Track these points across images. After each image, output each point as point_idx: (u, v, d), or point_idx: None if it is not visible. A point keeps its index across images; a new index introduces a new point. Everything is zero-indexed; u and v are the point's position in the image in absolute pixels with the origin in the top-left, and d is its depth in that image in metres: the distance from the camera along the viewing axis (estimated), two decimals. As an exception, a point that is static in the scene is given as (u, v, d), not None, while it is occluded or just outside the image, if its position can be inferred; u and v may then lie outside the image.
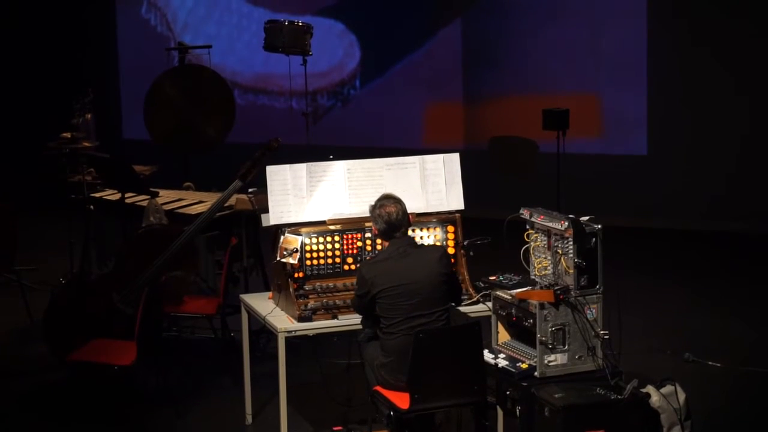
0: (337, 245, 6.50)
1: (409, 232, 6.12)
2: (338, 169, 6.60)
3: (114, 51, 13.66)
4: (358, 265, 6.46)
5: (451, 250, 6.55)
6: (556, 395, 5.56)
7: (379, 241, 6.35)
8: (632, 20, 11.61)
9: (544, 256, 5.95)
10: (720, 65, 11.37)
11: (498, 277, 6.19)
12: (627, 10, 11.64)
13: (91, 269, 8.86)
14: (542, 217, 5.91)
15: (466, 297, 6.40)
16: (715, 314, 8.90)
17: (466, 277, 6.47)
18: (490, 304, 6.16)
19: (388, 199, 6.02)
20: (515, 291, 5.91)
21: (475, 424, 6.05)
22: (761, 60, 11.26)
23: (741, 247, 10.83)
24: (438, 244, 6.53)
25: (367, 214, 6.48)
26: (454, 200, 6.69)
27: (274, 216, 6.48)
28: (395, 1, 12.49)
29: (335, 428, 6.80)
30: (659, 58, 11.56)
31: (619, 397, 5.56)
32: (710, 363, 7.67)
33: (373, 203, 6.05)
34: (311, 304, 6.32)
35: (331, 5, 12.71)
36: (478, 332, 5.81)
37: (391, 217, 5.94)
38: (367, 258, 6.42)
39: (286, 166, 6.55)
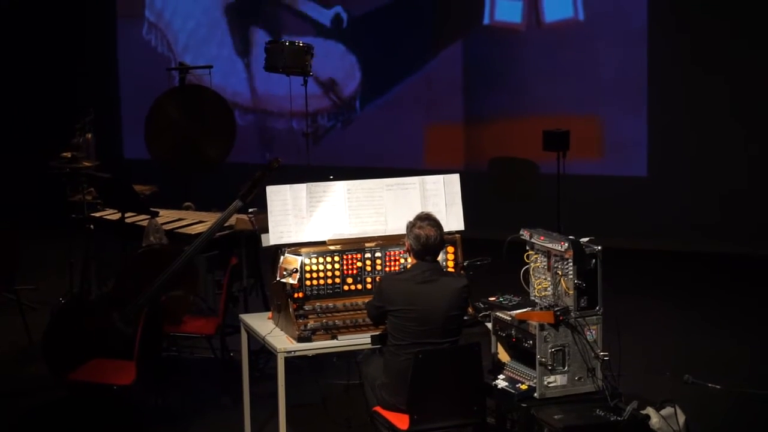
0: (337, 266, 6.49)
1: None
2: (338, 189, 6.61)
3: (115, 71, 13.70)
4: (359, 286, 6.46)
5: (450, 271, 6.54)
6: (556, 416, 5.55)
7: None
8: (633, 42, 11.65)
9: (544, 277, 5.95)
10: (720, 87, 11.39)
11: (498, 298, 6.20)
12: (628, 33, 11.67)
13: (90, 289, 8.86)
14: (542, 238, 5.92)
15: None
16: (715, 336, 8.89)
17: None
18: (489, 324, 6.16)
19: (428, 221, 5.96)
20: (515, 312, 5.91)
21: (475, 445, 6.04)
22: (762, 82, 11.28)
23: (741, 269, 10.83)
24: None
25: (368, 235, 6.51)
26: (454, 221, 6.69)
27: (274, 236, 6.48)
28: (396, 22, 12.52)
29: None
30: (659, 80, 11.59)
31: (619, 418, 5.55)
32: (710, 385, 7.64)
33: (412, 220, 6.02)
34: (311, 324, 6.31)
35: (332, 27, 12.75)
36: (477, 353, 5.81)
37: (429, 240, 5.91)
38: (388, 273, 6.43)
39: (287, 186, 6.55)
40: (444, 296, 5.85)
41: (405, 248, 6.09)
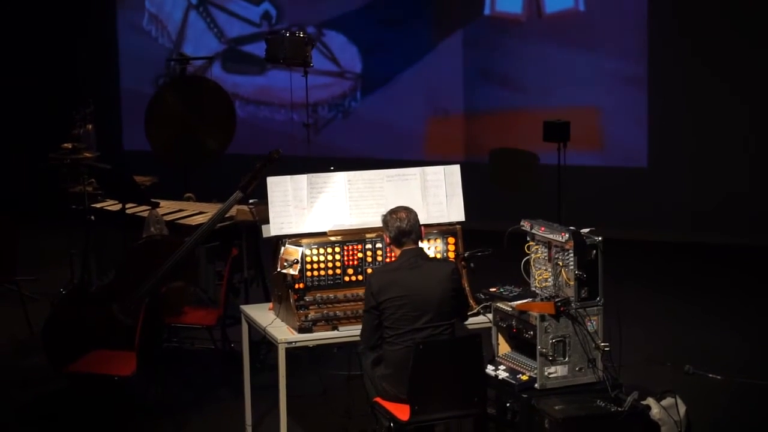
0: (337, 256, 6.49)
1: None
2: (339, 180, 6.60)
3: (115, 62, 13.69)
4: (360, 277, 6.47)
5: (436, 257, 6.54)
6: (557, 407, 5.56)
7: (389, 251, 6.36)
8: (633, 33, 11.63)
9: (544, 267, 5.95)
10: (720, 78, 11.38)
11: (499, 289, 6.19)
12: (628, 23, 11.65)
13: (91, 280, 8.86)
14: (543, 228, 5.91)
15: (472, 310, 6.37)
16: (715, 326, 8.89)
17: (467, 288, 6.46)
18: (490, 315, 6.16)
19: (400, 207, 6.06)
20: (516, 303, 5.91)
21: (475, 435, 6.05)
22: (762, 73, 11.27)
23: (741, 260, 10.83)
24: (439, 255, 6.52)
25: (368, 225, 6.51)
26: (455, 212, 6.69)
27: (275, 227, 6.48)
28: (396, 13, 12.50)
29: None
30: (660, 70, 11.58)
31: (620, 409, 5.56)
32: (711, 375, 7.67)
33: (384, 213, 6.07)
34: (311, 315, 6.32)
35: (333, 17, 12.74)
36: (478, 344, 5.81)
37: (402, 223, 5.95)
38: (376, 266, 6.43)
39: (287, 177, 6.55)
40: (434, 280, 5.87)
41: (386, 243, 6.12)
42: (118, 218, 8.46)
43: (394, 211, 6.02)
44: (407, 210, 6.03)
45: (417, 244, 6.03)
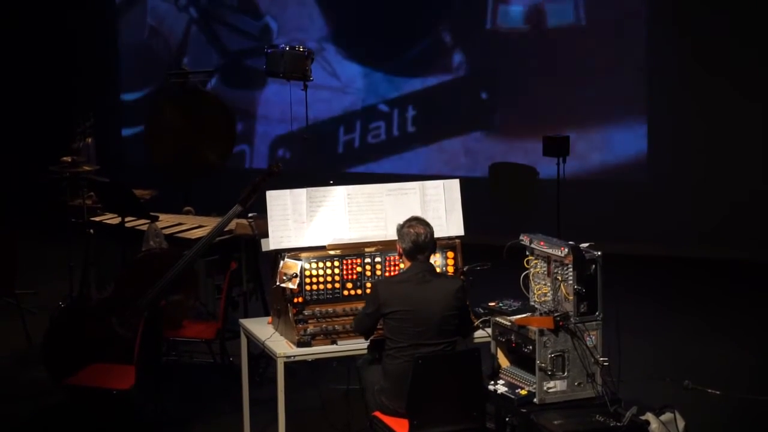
0: (336, 270, 6.49)
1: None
2: (338, 194, 6.61)
3: (116, 75, 13.70)
4: (359, 291, 6.46)
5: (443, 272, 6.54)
6: (556, 422, 5.55)
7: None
8: (634, 48, 11.66)
9: (543, 282, 5.95)
10: (723, 93, 11.38)
11: (498, 303, 6.18)
12: (629, 38, 11.68)
13: (90, 293, 8.85)
14: (542, 243, 5.91)
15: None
16: (715, 342, 8.88)
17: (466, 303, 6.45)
18: (489, 330, 6.15)
19: (418, 221, 6.04)
20: (515, 317, 5.91)
21: (474, 450, 6.04)
22: (765, 87, 11.27)
23: (741, 275, 10.82)
24: (438, 270, 6.52)
25: (368, 239, 6.51)
26: (454, 226, 6.70)
27: (274, 241, 6.48)
28: (397, 28, 12.52)
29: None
30: (661, 85, 11.59)
31: (619, 424, 5.55)
32: (710, 390, 7.66)
33: (401, 222, 6.06)
34: (310, 329, 6.31)
35: (334, 32, 12.76)
36: (477, 358, 5.80)
37: (419, 238, 5.95)
38: (381, 277, 6.44)
39: (287, 191, 6.55)
40: (439, 297, 5.87)
41: (397, 252, 6.11)
42: (117, 232, 8.46)
43: (411, 225, 6.00)
44: (426, 225, 6.00)
45: (429, 259, 6.04)
